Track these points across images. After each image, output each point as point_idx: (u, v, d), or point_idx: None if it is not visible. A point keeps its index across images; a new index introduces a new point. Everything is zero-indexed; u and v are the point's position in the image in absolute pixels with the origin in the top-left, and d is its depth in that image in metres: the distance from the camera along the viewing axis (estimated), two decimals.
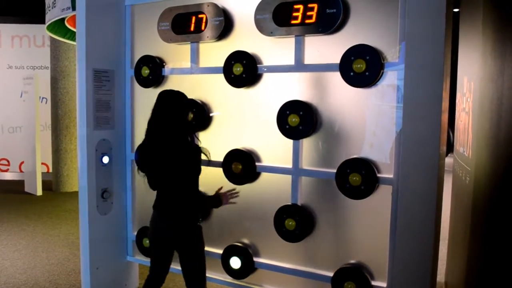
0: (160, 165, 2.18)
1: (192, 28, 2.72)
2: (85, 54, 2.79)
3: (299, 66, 2.41)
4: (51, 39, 6.81)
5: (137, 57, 2.97)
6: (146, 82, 2.92)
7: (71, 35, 6.10)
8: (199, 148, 2.23)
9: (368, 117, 2.25)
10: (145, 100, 2.99)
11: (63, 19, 5.35)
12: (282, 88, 2.49)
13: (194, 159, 2.19)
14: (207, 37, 2.67)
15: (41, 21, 5.90)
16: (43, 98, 7.65)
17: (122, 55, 3.02)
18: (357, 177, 2.21)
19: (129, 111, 3.05)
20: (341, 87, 2.28)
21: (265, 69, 2.52)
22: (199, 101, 2.72)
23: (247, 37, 2.58)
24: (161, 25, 2.82)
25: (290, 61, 2.44)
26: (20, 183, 7.36)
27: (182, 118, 2.20)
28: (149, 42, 2.95)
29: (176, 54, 2.87)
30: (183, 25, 2.74)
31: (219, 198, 2.32)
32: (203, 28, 2.67)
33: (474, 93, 2.46)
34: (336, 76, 2.27)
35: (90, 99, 2.83)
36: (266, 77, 2.53)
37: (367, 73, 2.17)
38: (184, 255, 2.29)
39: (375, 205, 2.25)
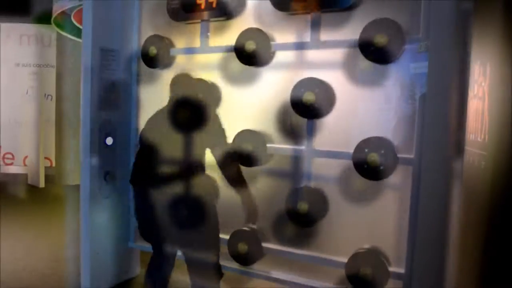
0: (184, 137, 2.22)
1: (202, 6, 2.62)
2: (91, 32, 2.69)
3: (315, 43, 2.32)
4: (58, 37, 6.97)
5: (144, 36, 2.86)
6: (153, 63, 2.82)
7: (77, 32, 6.13)
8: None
9: (388, 95, 2.15)
10: (151, 81, 2.90)
11: (69, 16, 5.35)
12: (297, 66, 2.39)
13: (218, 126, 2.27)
14: (219, 15, 2.57)
15: (49, 22, 6.14)
16: (48, 95, 7.84)
17: (129, 34, 2.92)
18: (376, 157, 2.10)
19: (135, 92, 2.94)
20: (360, 64, 2.19)
21: (279, 47, 2.42)
22: (209, 82, 2.62)
23: (260, 14, 2.48)
24: (170, 3, 2.72)
25: (306, 38, 2.34)
26: (24, 176, 7.46)
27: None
28: (158, 21, 2.85)
29: (185, 33, 2.77)
30: (193, 3, 2.65)
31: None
32: (214, 5, 2.58)
33: (490, 76, 2.37)
34: (355, 52, 2.18)
35: (95, 78, 2.72)
36: (280, 55, 2.44)
37: (388, 49, 2.08)
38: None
39: (394, 186, 2.14)
